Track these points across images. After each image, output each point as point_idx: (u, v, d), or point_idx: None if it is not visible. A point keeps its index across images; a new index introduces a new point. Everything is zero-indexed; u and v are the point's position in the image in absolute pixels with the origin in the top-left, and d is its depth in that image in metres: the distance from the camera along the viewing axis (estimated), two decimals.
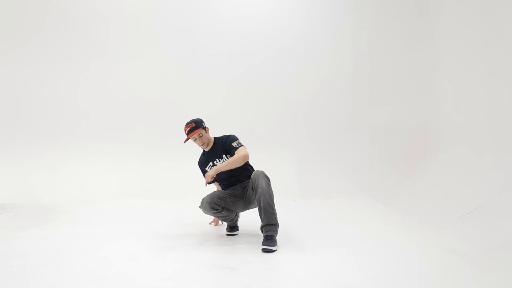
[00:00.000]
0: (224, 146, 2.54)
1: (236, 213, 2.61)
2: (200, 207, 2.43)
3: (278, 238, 2.24)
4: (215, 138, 2.66)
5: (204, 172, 2.65)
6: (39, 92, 4.71)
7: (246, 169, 2.54)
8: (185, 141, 2.58)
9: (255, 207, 2.40)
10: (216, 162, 2.54)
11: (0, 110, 4.67)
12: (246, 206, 2.56)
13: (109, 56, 4.80)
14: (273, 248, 2.10)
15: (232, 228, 2.60)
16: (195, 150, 4.59)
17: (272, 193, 2.23)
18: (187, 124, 2.53)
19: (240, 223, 2.81)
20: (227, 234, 2.55)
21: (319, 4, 4.91)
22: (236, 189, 2.53)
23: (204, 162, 2.64)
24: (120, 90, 4.77)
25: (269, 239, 2.13)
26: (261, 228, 2.20)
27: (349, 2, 4.88)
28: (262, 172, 2.27)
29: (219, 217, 2.54)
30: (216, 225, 2.90)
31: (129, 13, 4.85)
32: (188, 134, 2.51)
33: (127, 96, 4.76)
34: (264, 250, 2.09)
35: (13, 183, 4.30)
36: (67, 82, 4.74)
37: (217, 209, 2.39)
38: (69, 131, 4.65)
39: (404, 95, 4.62)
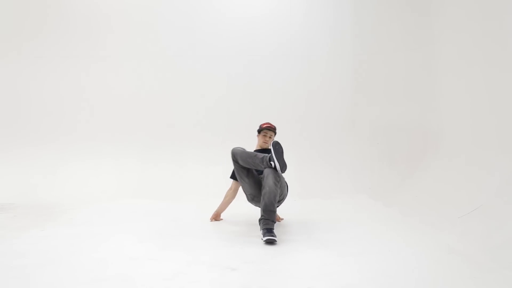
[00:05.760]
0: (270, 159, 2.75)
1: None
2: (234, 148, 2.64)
3: (278, 238, 2.28)
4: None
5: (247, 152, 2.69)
6: (40, 93, 4.71)
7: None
8: (261, 126, 3.02)
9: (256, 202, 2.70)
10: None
11: (1, 110, 4.68)
12: (254, 193, 2.67)
13: (110, 56, 4.80)
14: (276, 239, 2.23)
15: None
16: (195, 150, 4.62)
17: (278, 192, 2.41)
18: (272, 124, 3.04)
19: (239, 223, 2.81)
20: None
21: (319, 4, 4.91)
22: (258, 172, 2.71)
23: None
24: (121, 90, 4.77)
25: (270, 231, 2.28)
26: (260, 220, 2.36)
27: (348, 3, 4.89)
28: (272, 172, 2.43)
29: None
30: (216, 220, 2.98)
31: (130, 13, 4.85)
32: (270, 128, 2.98)
33: (128, 96, 4.76)
34: (268, 241, 2.22)
35: (13, 183, 4.30)
36: (68, 83, 4.75)
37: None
38: (69, 131, 4.65)
39: (404, 95, 4.62)
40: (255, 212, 2.91)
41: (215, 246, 2.22)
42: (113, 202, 3.86)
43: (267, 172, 2.44)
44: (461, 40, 3.72)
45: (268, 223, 2.32)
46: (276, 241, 2.23)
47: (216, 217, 3.00)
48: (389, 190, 4.04)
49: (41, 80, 4.73)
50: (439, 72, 4.21)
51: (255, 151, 2.91)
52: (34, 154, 4.53)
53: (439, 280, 1.66)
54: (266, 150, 2.91)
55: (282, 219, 3.01)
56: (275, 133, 3.05)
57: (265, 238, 2.23)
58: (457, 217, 2.65)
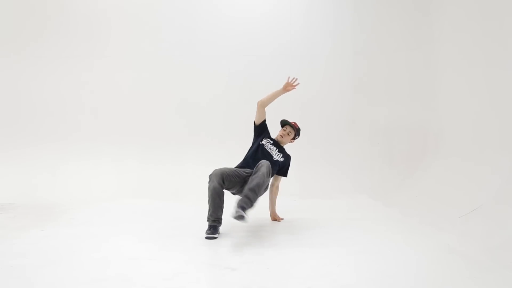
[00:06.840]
0: (284, 158, 2.97)
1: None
2: (210, 175, 2.50)
3: (278, 238, 2.28)
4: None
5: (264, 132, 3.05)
6: (40, 93, 4.70)
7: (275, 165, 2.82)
8: (285, 120, 3.12)
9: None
10: (271, 145, 2.93)
11: (1, 111, 4.67)
12: (240, 190, 2.63)
13: (110, 56, 4.79)
14: (244, 214, 2.15)
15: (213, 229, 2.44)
16: (195, 150, 4.61)
17: (267, 182, 2.46)
18: (297, 124, 3.12)
19: (239, 223, 2.81)
20: (206, 237, 2.38)
21: (319, 4, 4.91)
22: (247, 171, 2.64)
23: (270, 138, 3.02)
24: (121, 90, 4.76)
25: (244, 209, 2.20)
26: (240, 199, 2.28)
27: (349, 2, 4.89)
28: (267, 163, 2.47)
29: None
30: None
31: (130, 14, 4.84)
32: (291, 125, 3.05)
33: (128, 96, 4.75)
34: (236, 217, 2.15)
35: (13, 183, 4.30)
36: (69, 83, 4.74)
37: (222, 185, 2.48)
38: (69, 131, 4.65)
39: (404, 95, 4.62)
40: (255, 212, 2.90)
41: (215, 246, 2.22)
42: (113, 202, 3.86)
43: (262, 163, 2.48)
44: (461, 40, 3.72)
45: (246, 202, 2.24)
46: (244, 217, 2.15)
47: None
48: (389, 190, 4.04)
49: (41, 81, 4.72)
50: (439, 72, 4.20)
51: (271, 141, 2.99)
52: (35, 154, 4.53)
53: (439, 280, 1.66)
54: (278, 145, 3.01)
55: (282, 219, 3.00)
56: (296, 134, 3.09)
57: (236, 215, 2.16)
58: (457, 217, 2.65)
